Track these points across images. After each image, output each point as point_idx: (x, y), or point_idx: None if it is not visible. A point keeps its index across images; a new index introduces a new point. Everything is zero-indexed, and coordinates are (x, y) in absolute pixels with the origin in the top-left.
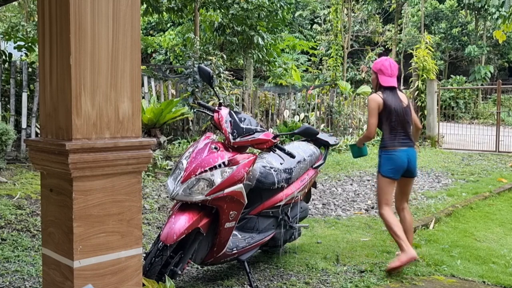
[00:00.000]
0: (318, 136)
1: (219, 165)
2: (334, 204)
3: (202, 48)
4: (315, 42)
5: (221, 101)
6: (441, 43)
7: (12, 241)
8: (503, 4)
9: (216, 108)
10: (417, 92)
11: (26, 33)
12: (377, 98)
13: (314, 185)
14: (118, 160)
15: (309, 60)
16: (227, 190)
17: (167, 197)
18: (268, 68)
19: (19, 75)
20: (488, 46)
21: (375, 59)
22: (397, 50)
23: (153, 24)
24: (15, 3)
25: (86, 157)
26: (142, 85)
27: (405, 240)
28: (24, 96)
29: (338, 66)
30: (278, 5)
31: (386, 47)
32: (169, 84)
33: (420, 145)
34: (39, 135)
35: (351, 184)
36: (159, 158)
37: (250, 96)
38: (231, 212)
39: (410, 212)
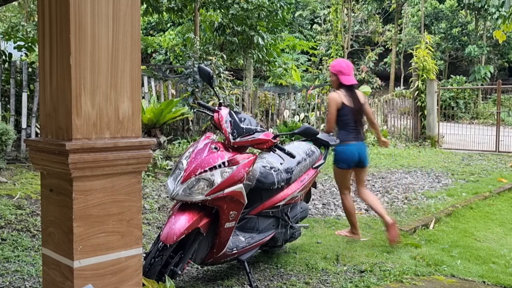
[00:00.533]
0: (318, 136)
1: (219, 165)
2: (334, 204)
3: (202, 48)
4: (315, 42)
5: (221, 101)
6: (441, 43)
7: (12, 241)
8: (503, 4)
9: (216, 108)
10: (417, 92)
11: (26, 33)
12: (337, 97)
13: (314, 185)
14: (118, 160)
15: (309, 60)
16: (227, 190)
17: (167, 197)
18: (268, 68)
19: (19, 75)
20: (488, 46)
21: (375, 59)
22: (397, 50)
23: (153, 24)
24: (15, 3)
25: (86, 157)
26: (142, 85)
27: (355, 223)
28: (24, 96)
29: None
30: (278, 5)
31: (386, 47)
32: (169, 84)
33: (420, 145)
34: (39, 135)
35: (351, 184)
36: (159, 158)
37: (250, 96)
38: (231, 212)
39: (369, 192)
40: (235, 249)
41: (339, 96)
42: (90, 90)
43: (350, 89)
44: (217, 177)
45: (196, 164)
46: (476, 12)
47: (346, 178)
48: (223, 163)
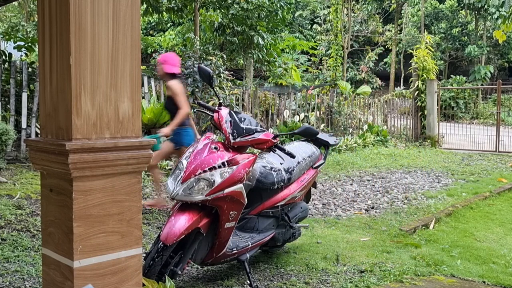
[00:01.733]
0: (318, 136)
1: (219, 165)
2: (334, 204)
3: (202, 48)
4: (315, 42)
5: (221, 101)
6: (441, 43)
7: (12, 241)
8: (503, 4)
9: (216, 108)
10: (417, 92)
11: (26, 33)
12: (179, 83)
13: (314, 185)
14: (118, 160)
15: (309, 60)
16: (227, 190)
17: (167, 197)
18: (268, 68)
19: (19, 75)
20: (488, 46)
21: (375, 59)
22: (397, 50)
23: (153, 24)
24: (15, 3)
25: (86, 157)
26: (142, 85)
27: (159, 189)
28: (24, 96)
29: (338, 66)
30: (278, 5)
31: (386, 47)
32: None
33: (420, 145)
34: (39, 135)
35: (351, 184)
36: None
37: (250, 96)
38: (231, 212)
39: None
40: (235, 249)
41: (181, 84)
42: (90, 90)
43: (177, 79)
44: (217, 177)
45: (196, 164)
46: (476, 12)
47: (170, 154)
48: (223, 163)
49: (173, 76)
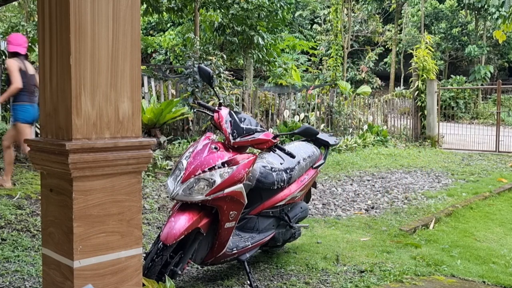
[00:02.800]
0: (318, 136)
1: (219, 166)
2: (334, 204)
3: (202, 48)
4: (315, 42)
5: (221, 101)
6: (441, 43)
7: (12, 241)
8: (503, 4)
9: (216, 108)
10: (417, 92)
11: (26, 33)
12: (15, 61)
13: (314, 185)
14: (118, 160)
15: (309, 60)
16: (227, 190)
17: (167, 197)
18: (268, 68)
19: None
20: (488, 46)
21: (375, 59)
22: (397, 50)
23: (153, 24)
24: (15, 3)
25: (86, 157)
26: (142, 85)
27: (9, 170)
28: None
29: (338, 66)
30: (278, 5)
31: (386, 47)
32: (169, 84)
33: (420, 145)
34: (39, 135)
35: (351, 184)
36: (159, 158)
37: (250, 96)
38: (231, 212)
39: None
40: (235, 249)
41: (16, 62)
42: (90, 90)
43: (20, 58)
44: (217, 178)
45: (196, 164)
46: (476, 12)
47: (28, 132)
48: (223, 163)
49: (15, 54)
